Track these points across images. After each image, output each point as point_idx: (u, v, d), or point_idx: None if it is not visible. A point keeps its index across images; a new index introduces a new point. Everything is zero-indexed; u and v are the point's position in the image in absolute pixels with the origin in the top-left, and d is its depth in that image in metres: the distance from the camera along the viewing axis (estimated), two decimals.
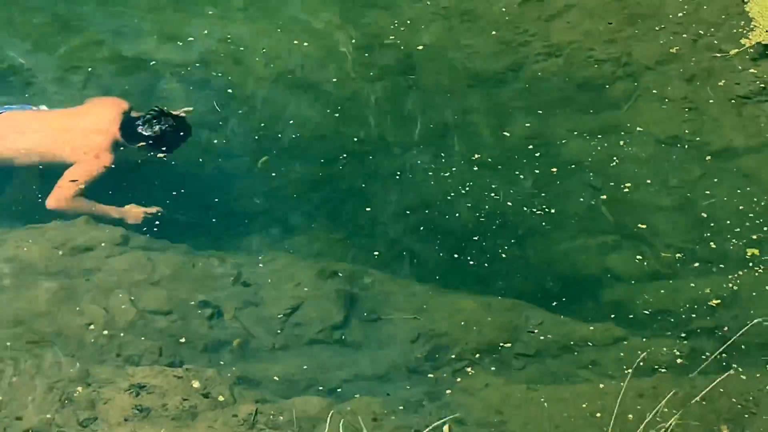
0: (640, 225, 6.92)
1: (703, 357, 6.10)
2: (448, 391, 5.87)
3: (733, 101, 7.53)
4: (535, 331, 6.17)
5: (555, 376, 6.03)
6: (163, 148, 6.95)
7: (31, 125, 6.93)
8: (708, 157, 7.26)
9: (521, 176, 7.18)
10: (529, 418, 5.65)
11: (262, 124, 7.50)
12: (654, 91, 7.66)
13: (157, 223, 6.76)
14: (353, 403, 5.65)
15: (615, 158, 7.28)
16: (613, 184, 7.14)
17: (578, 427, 5.55)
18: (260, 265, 6.49)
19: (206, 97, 7.64)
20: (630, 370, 5.81)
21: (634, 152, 7.30)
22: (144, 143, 6.91)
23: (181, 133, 6.95)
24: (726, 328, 6.30)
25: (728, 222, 6.90)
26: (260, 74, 7.82)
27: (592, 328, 6.30)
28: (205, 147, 7.30)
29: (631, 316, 6.47)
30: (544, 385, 5.84)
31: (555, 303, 6.53)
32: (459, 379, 5.96)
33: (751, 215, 6.91)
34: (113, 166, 6.81)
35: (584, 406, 5.67)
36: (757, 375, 5.92)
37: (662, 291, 6.57)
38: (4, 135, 6.91)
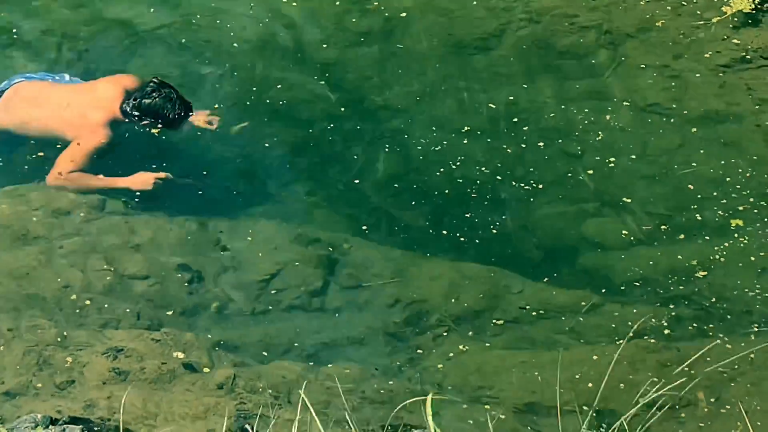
0: (620, 193, 6.93)
1: (682, 324, 6.12)
2: (426, 356, 5.89)
3: (714, 70, 7.52)
4: (527, 307, 6.17)
5: (533, 342, 6.04)
6: (162, 123, 6.81)
7: (39, 98, 6.84)
8: (689, 126, 7.26)
9: (502, 143, 7.17)
10: (507, 383, 5.67)
11: (243, 89, 7.47)
12: (635, 59, 7.65)
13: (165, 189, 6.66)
14: (331, 369, 5.66)
15: (596, 126, 7.28)
16: (593, 151, 7.14)
17: (555, 393, 5.56)
18: (240, 229, 6.48)
19: (186, 60, 7.61)
20: (607, 337, 5.84)
21: (615, 120, 7.29)
22: (145, 120, 6.78)
23: (181, 107, 6.80)
24: (706, 296, 6.32)
25: (708, 190, 6.91)
26: (242, 38, 7.78)
27: (570, 294, 6.32)
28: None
29: (611, 283, 6.48)
30: (522, 351, 5.85)
31: (534, 270, 6.53)
32: (437, 345, 5.97)
33: (730, 183, 6.92)
34: (111, 142, 6.67)
35: (562, 372, 5.69)
36: (741, 343, 5.95)
37: (642, 259, 6.58)
38: (14, 105, 6.85)
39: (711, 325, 6.14)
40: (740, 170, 6.99)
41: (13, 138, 6.83)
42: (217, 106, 7.23)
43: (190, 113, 6.88)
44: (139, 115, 6.77)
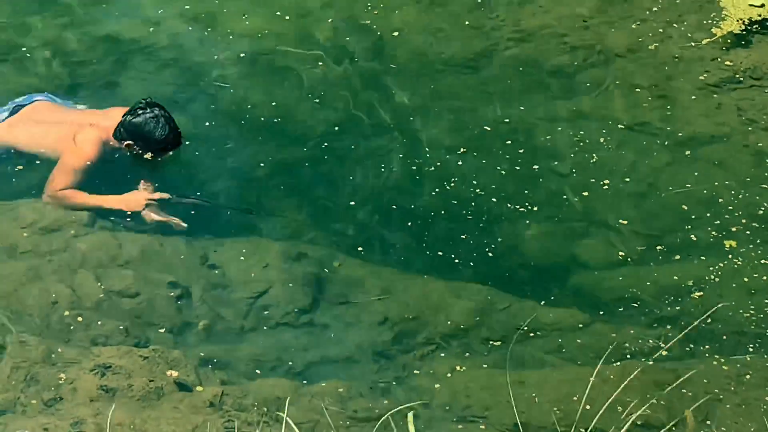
0: (609, 213, 6.94)
1: (670, 344, 6.12)
2: (415, 375, 5.88)
3: (703, 90, 7.55)
4: (525, 327, 6.17)
5: (522, 361, 6.04)
6: (151, 152, 6.72)
7: (38, 117, 6.82)
8: (678, 146, 7.28)
9: (493, 162, 7.17)
10: (494, 402, 5.67)
11: (236, 106, 7.48)
12: (625, 79, 7.67)
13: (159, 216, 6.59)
14: (319, 386, 5.65)
15: (586, 146, 7.29)
16: (583, 171, 7.15)
17: (543, 412, 5.57)
18: (228, 246, 6.47)
19: (175, 76, 7.61)
20: (596, 357, 5.84)
21: (603, 139, 7.31)
22: (131, 142, 6.68)
23: (166, 128, 6.67)
24: (695, 316, 6.32)
25: (698, 210, 6.92)
26: (235, 55, 7.79)
27: (560, 314, 6.32)
28: None
29: (600, 303, 6.49)
30: (509, 370, 5.85)
31: (524, 289, 6.53)
32: (425, 363, 5.97)
33: (721, 204, 6.94)
34: (101, 161, 6.63)
35: (550, 391, 5.69)
36: (723, 363, 5.95)
37: (631, 279, 6.58)
38: (16, 123, 6.83)
39: (701, 346, 6.14)
40: (732, 191, 7.00)
41: (15, 154, 6.82)
42: (208, 123, 7.24)
43: (179, 139, 6.79)
44: (128, 137, 6.67)
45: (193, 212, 6.63)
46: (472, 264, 6.66)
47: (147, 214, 6.54)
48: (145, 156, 6.73)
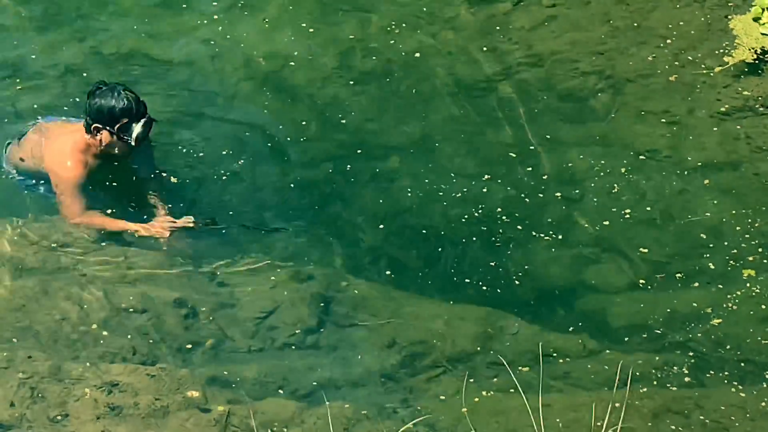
0: (618, 238, 6.93)
1: (676, 371, 6.11)
2: (421, 398, 5.87)
3: (714, 117, 7.55)
4: (554, 355, 6.17)
5: (528, 385, 6.02)
6: (121, 134, 6.45)
7: (36, 137, 6.78)
8: (688, 173, 7.28)
9: (500, 185, 7.18)
10: (500, 427, 5.65)
11: (244, 126, 7.49)
12: (635, 105, 7.67)
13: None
14: (325, 408, 5.64)
15: (595, 171, 7.29)
16: (592, 196, 7.15)
17: None
18: (237, 266, 6.47)
19: (184, 96, 7.62)
20: (604, 383, 5.83)
21: (614, 165, 7.31)
22: (102, 127, 6.43)
23: (125, 99, 6.42)
24: (703, 343, 6.31)
25: (707, 237, 6.92)
26: (240, 76, 7.80)
27: (567, 338, 6.31)
28: (182, 149, 7.26)
29: (608, 328, 6.48)
30: (516, 394, 5.84)
31: (530, 313, 6.53)
32: (432, 386, 5.96)
33: (731, 231, 6.93)
34: (91, 172, 6.58)
35: (556, 417, 5.67)
36: (729, 391, 5.94)
37: (639, 305, 6.58)
38: (21, 145, 6.83)
39: (707, 373, 6.13)
40: (741, 218, 7.00)
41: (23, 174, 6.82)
42: (217, 143, 7.25)
43: (144, 107, 6.53)
44: (96, 122, 6.45)
45: (224, 232, 6.67)
46: (479, 287, 6.65)
47: (168, 243, 6.54)
48: (130, 142, 6.48)
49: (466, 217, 7.01)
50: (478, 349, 6.21)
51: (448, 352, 6.17)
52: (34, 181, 6.78)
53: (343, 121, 7.57)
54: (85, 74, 7.71)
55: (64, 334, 5.87)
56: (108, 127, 6.48)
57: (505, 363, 6.11)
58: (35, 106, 7.42)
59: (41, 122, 6.92)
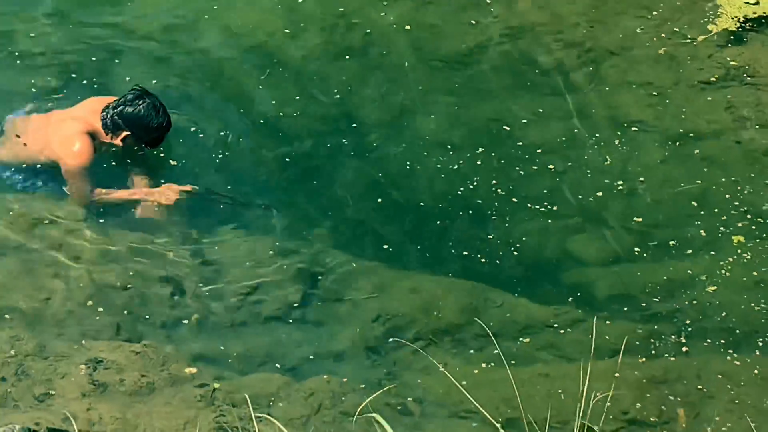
0: (601, 209, 6.94)
1: (663, 340, 6.13)
2: (407, 371, 5.88)
3: (696, 87, 7.55)
4: (541, 326, 6.19)
5: (514, 357, 6.04)
6: (147, 142, 6.67)
7: (21, 129, 6.75)
8: (670, 142, 7.28)
9: (484, 158, 7.17)
10: (486, 398, 5.66)
11: (226, 103, 7.46)
12: (619, 76, 7.67)
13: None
14: (311, 382, 5.65)
15: (577, 142, 7.29)
16: (575, 168, 7.15)
17: (536, 408, 5.57)
18: (221, 241, 6.47)
19: (167, 73, 7.58)
20: (589, 353, 5.83)
21: (597, 136, 7.31)
22: (128, 132, 6.59)
23: (164, 115, 6.62)
24: (686, 313, 6.33)
25: (690, 207, 6.93)
26: (224, 51, 7.77)
27: (552, 310, 6.32)
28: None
29: (593, 299, 6.49)
30: (502, 366, 5.85)
31: (515, 285, 6.54)
32: (418, 359, 5.96)
33: (713, 200, 6.94)
34: (95, 156, 6.59)
35: (542, 387, 5.69)
36: (716, 359, 5.96)
37: (624, 275, 6.59)
38: (5, 141, 6.78)
39: (698, 341, 6.16)
40: (722, 188, 7.01)
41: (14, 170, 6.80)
42: (199, 119, 7.23)
43: (170, 125, 6.73)
44: (124, 128, 6.59)
45: (221, 207, 6.66)
46: (464, 260, 6.66)
47: (161, 213, 6.57)
48: (138, 146, 6.68)
49: (450, 190, 7.01)
50: (464, 322, 6.22)
51: (433, 325, 6.18)
52: (30, 182, 6.75)
53: (325, 96, 7.55)
54: (64, 55, 7.66)
55: (48, 312, 5.85)
56: (135, 134, 6.62)
57: (491, 335, 6.12)
58: None
59: (11, 117, 6.86)
